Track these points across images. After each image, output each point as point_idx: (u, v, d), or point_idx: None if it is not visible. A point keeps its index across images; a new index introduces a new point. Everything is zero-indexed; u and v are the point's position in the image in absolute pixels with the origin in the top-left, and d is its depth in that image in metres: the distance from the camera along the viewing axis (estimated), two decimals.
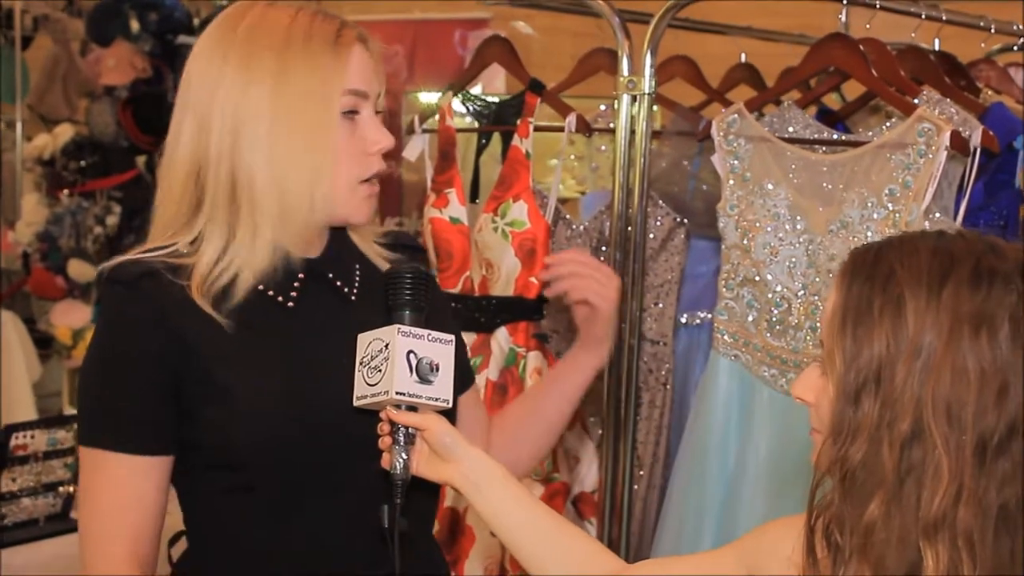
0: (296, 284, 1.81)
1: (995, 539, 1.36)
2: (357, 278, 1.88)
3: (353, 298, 1.86)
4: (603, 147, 3.40)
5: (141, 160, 5.78)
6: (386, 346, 1.66)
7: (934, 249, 1.41)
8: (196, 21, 5.96)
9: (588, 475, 2.99)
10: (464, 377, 1.97)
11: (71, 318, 5.61)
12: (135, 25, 5.61)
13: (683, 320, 3.14)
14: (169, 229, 1.79)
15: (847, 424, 1.40)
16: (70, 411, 5.13)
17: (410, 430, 1.69)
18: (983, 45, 3.47)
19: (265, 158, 1.72)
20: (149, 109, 5.60)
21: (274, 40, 1.74)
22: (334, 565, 1.77)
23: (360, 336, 1.70)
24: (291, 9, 1.77)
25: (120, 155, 5.70)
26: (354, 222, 1.83)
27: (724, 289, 2.77)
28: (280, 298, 1.79)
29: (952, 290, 1.37)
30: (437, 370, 1.67)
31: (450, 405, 1.69)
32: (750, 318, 2.74)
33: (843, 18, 3.68)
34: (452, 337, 1.69)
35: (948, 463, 1.34)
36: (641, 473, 3.06)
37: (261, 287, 1.77)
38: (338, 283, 1.85)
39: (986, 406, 1.35)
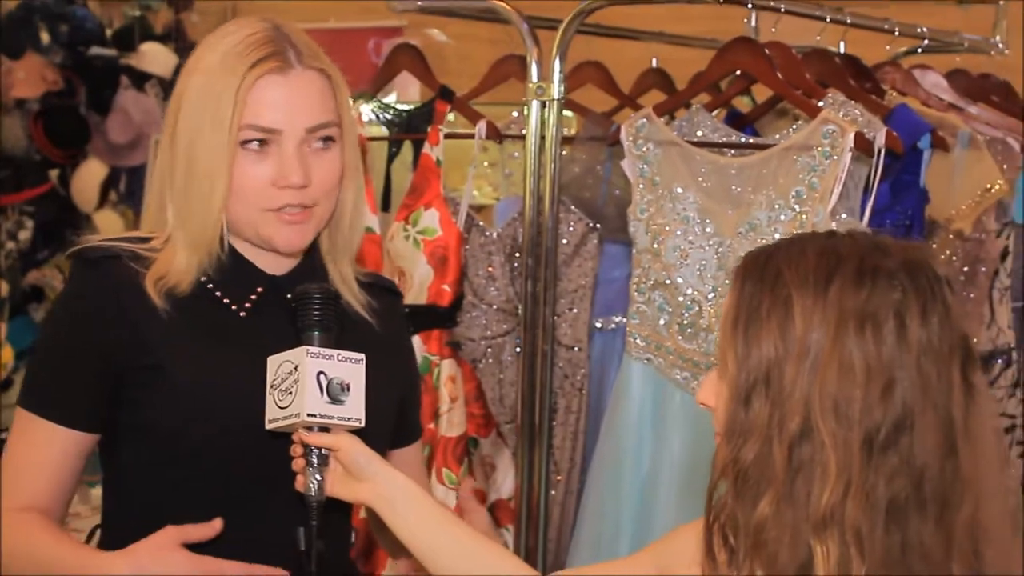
0: (253, 296, 1.81)
1: (885, 533, 1.37)
2: None
3: None
4: (516, 153, 3.39)
5: (54, 173, 5.71)
6: (295, 368, 1.65)
7: (821, 249, 1.42)
8: (108, 32, 5.88)
9: (504, 482, 2.98)
10: (407, 431, 1.98)
11: None
12: (45, 37, 5.53)
13: (598, 325, 3.14)
14: (151, 224, 1.83)
15: (739, 425, 1.41)
16: None
17: (323, 451, 1.67)
18: (888, 48, 3.51)
19: (179, 172, 1.77)
20: (61, 122, 5.54)
21: (201, 62, 1.77)
22: None
23: (270, 359, 1.69)
24: (239, 32, 1.77)
25: (32, 169, 5.62)
26: (278, 248, 1.80)
27: (635, 293, 2.78)
28: (234, 306, 1.80)
29: (837, 289, 1.38)
30: (348, 390, 1.66)
31: (363, 424, 1.67)
32: (661, 321, 2.75)
33: (752, 23, 3.71)
34: (362, 356, 1.68)
35: (836, 459, 1.36)
36: (559, 479, 3.05)
37: (218, 292, 1.79)
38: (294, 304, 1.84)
39: (872, 402, 1.36)
